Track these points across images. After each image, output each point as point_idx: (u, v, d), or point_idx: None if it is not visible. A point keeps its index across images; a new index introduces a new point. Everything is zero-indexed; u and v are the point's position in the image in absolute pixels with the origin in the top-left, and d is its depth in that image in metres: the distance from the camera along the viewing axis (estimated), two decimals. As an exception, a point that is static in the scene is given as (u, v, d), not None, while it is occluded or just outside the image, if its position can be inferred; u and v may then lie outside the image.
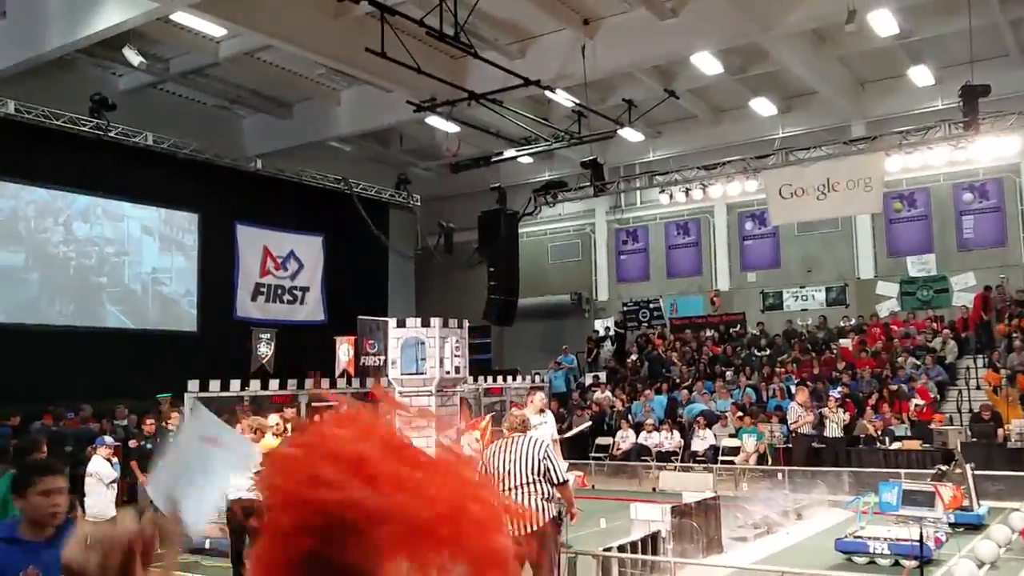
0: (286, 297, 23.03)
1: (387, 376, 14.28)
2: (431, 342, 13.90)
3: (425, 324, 14.06)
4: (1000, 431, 14.66)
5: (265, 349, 19.20)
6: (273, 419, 11.55)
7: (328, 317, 22.99)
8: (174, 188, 19.75)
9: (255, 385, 15.64)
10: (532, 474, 6.90)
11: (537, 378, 20.42)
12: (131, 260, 19.74)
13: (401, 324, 14.23)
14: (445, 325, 14.08)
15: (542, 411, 9.85)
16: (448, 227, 22.75)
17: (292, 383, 16.27)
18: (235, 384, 15.07)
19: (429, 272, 25.78)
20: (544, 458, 6.91)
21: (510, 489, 6.93)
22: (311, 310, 23.36)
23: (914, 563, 8.44)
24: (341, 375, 18.05)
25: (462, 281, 23.07)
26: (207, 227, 20.98)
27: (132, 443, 13.25)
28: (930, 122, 16.94)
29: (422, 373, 13.86)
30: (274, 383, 16.14)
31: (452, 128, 19.47)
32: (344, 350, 18.20)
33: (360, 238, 22.45)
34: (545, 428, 9.47)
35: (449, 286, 24.34)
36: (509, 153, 20.17)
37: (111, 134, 17.89)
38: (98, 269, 19.13)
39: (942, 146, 16.00)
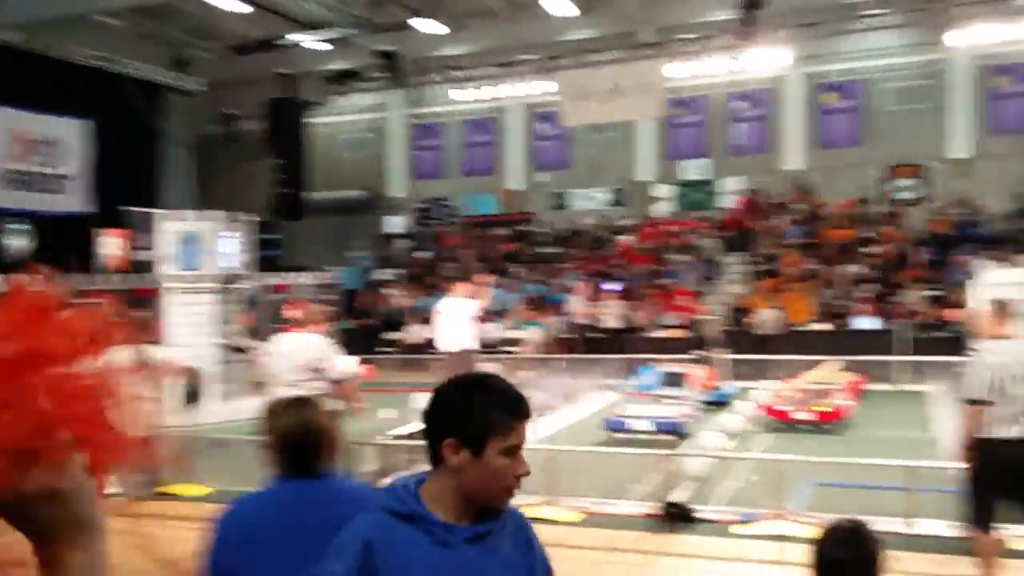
0: (45, 186, 20.86)
1: (160, 272, 13.45)
2: (211, 236, 13.22)
3: (204, 217, 13.34)
4: (751, 320, 16.23)
5: (17, 241, 17.39)
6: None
7: (95, 209, 21.14)
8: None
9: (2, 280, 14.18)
10: (307, 370, 6.80)
11: (327, 275, 20.00)
12: None
13: (177, 217, 13.43)
14: (227, 219, 13.43)
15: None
16: (232, 115, 21.37)
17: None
18: (-19, 279, 13.60)
19: (211, 163, 24.25)
20: (319, 356, 6.82)
21: (286, 385, 6.81)
22: (75, 200, 21.32)
23: (671, 436, 9.30)
24: (106, 270, 16.79)
25: (247, 173, 21.94)
26: (-52, 105, 18.48)
27: None
28: (712, 31, 17.75)
29: (200, 269, 13.19)
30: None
31: (236, 6, 18.07)
32: (113, 243, 16.86)
33: (132, 123, 20.64)
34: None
35: (233, 178, 23.06)
36: (299, 37, 19.07)
37: None
38: None
39: (720, 55, 16.87)
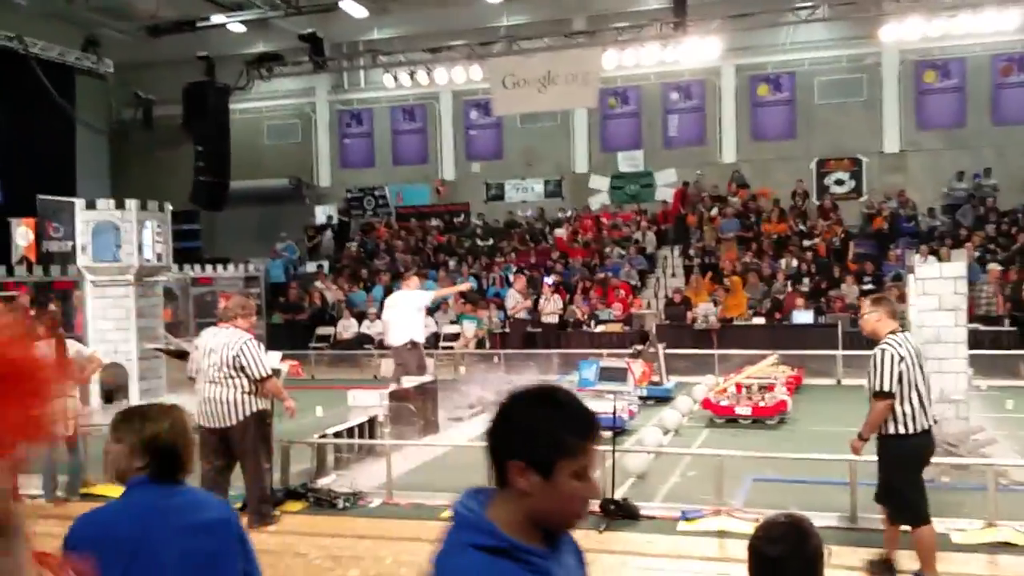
0: (-52, 173, 19.61)
1: (76, 264, 12.74)
2: (127, 226, 12.55)
3: (120, 206, 12.66)
4: (689, 314, 16.18)
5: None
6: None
7: (4, 197, 19.94)
8: None
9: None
10: (227, 368, 6.45)
11: (251, 267, 19.29)
12: None
13: (91, 206, 12.74)
14: (144, 208, 12.77)
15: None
16: (147, 99, 20.29)
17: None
18: None
19: (126, 149, 23.16)
20: (238, 354, 6.44)
21: (212, 380, 6.49)
22: (-18, 189, 20.12)
23: (609, 433, 9.05)
24: (20, 261, 15.85)
25: (165, 161, 20.96)
26: None
27: None
28: (645, 20, 17.61)
29: (118, 261, 12.50)
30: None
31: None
32: (22, 233, 15.94)
33: (40, 107, 19.44)
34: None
35: (150, 165, 22.02)
36: (217, 19, 18.25)
37: None
38: None
39: (653, 44, 16.74)
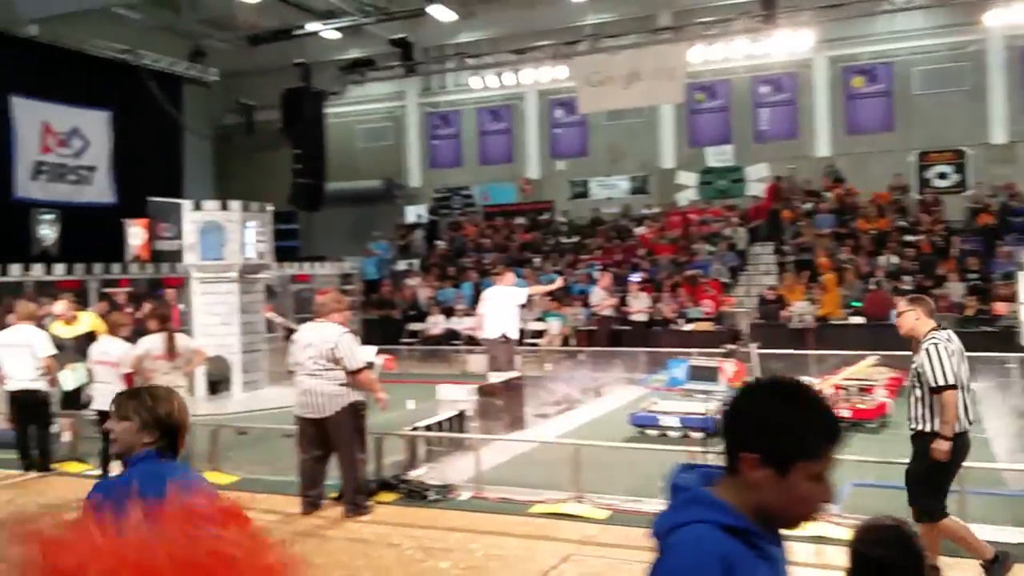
0: (71, 176, 20.96)
1: (184, 262, 13.48)
2: (231, 226, 13.21)
3: (224, 207, 13.33)
4: (784, 313, 15.87)
5: (48, 231, 17.52)
6: (59, 306, 10.67)
7: (118, 199, 21.20)
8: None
9: (38, 269, 14.24)
10: (324, 360, 6.77)
11: (347, 265, 19.93)
12: None
13: (198, 207, 13.44)
14: (247, 208, 13.40)
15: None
16: (249, 105, 21.27)
17: (80, 267, 14.94)
18: (16, 268, 13.65)
19: (229, 153, 24.22)
20: (334, 347, 6.76)
21: (310, 372, 6.82)
22: (99, 191, 21.42)
23: (700, 434, 9.07)
24: (133, 260, 16.81)
25: (265, 163, 21.86)
26: (-22, 99, 18.62)
27: None
28: (732, 14, 17.41)
29: (222, 259, 13.18)
30: (60, 267, 14.76)
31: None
32: (135, 233, 16.88)
33: (152, 115, 20.66)
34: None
35: (252, 168, 23.00)
36: (313, 27, 18.94)
37: None
38: None
39: (742, 38, 16.53)
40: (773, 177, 20.58)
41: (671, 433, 9.38)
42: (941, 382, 4.98)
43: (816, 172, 20.38)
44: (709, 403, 9.23)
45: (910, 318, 5.25)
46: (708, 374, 10.43)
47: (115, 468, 7.83)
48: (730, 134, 21.69)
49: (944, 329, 5.25)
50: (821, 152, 20.75)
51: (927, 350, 5.05)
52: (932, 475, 5.12)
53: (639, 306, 16.38)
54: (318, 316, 7.14)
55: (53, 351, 8.71)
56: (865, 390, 10.41)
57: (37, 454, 8.85)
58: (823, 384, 10.90)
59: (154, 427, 2.59)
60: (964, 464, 5.30)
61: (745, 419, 1.60)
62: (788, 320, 15.59)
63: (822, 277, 16.51)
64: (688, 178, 21.96)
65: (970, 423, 5.19)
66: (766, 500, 1.57)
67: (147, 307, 11.33)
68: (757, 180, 21.11)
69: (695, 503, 1.59)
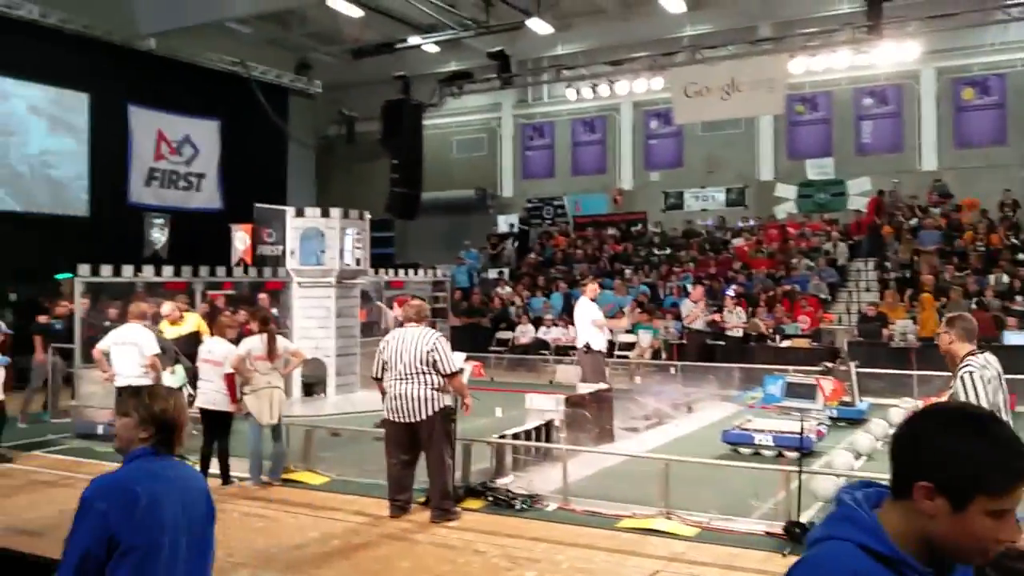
0: (181, 183, 22.08)
1: (285, 266, 13.93)
2: (331, 233, 13.61)
3: (325, 214, 13.73)
4: (885, 331, 15.32)
5: (158, 235, 18.48)
6: (167, 307, 11.18)
7: (225, 205, 22.17)
8: (62, 66, 18.61)
9: (148, 271, 15.00)
10: (420, 364, 6.89)
11: (439, 272, 20.27)
12: (17, 141, 18.65)
13: (300, 214, 13.88)
14: (346, 216, 13.78)
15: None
16: (350, 116, 21.90)
17: (187, 270, 15.67)
18: (127, 270, 14.43)
19: (331, 162, 24.99)
20: (432, 349, 6.91)
21: (404, 377, 6.92)
22: (207, 197, 22.47)
23: (795, 453, 8.84)
24: (237, 264, 17.47)
25: (364, 172, 22.47)
26: (98, 108, 19.90)
27: (42, 318, 12.83)
28: (835, 25, 16.98)
29: (321, 264, 13.59)
30: (168, 269, 15.51)
31: (355, 12, 18.52)
32: (240, 238, 17.54)
33: (259, 124, 21.54)
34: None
35: (351, 177, 23.69)
36: (414, 40, 19.40)
37: (-9, 5, 16.43)
38: (-20, 148, 17.98)
39: (845, 50, 16.09)
40: (875, 191, 19.94)
41: (765, 452, 9.18)
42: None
43: (921, 186, 19.66)
44: (805, 421, 8.99)
45: (944, 340, 5.12)
46: (805, 391, 10.17)
47: (213, 466, 8.20)
48: (831, 146, 21.14)
49: (983, 352, 5.07)
50: (927, 166, 20.01)
51: (961, 378, 4.89)
52: None
53: (735, 320, 16.07)
54: (407, 322, 7.25)
55: (158, 350, 9.12)
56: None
57: None
58: (927, 405, 10.46)
59: (150, 423, 2.68)
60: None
61: (922, 445, 1.50)
62: (889, 338, 15.04)
63: (923, 295, 15.90)
64: (787, 191, 21.49)
65: None
66: (936, 532, 1.48)
67: (242, 312, 11.75)
68: (859, 194, 20.50)
69: (847, 521, 1.54)
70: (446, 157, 25.06)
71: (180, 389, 10.03)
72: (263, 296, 14.22)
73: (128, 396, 2.82)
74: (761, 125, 21.51)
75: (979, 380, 4.83)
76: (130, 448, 2.69)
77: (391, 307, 13.41)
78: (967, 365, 4.92)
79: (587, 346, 11.20)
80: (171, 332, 11.06)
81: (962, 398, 4.86)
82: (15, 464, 9.35)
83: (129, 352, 8.91)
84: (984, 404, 4.77)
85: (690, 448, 9.45)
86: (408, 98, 18.45)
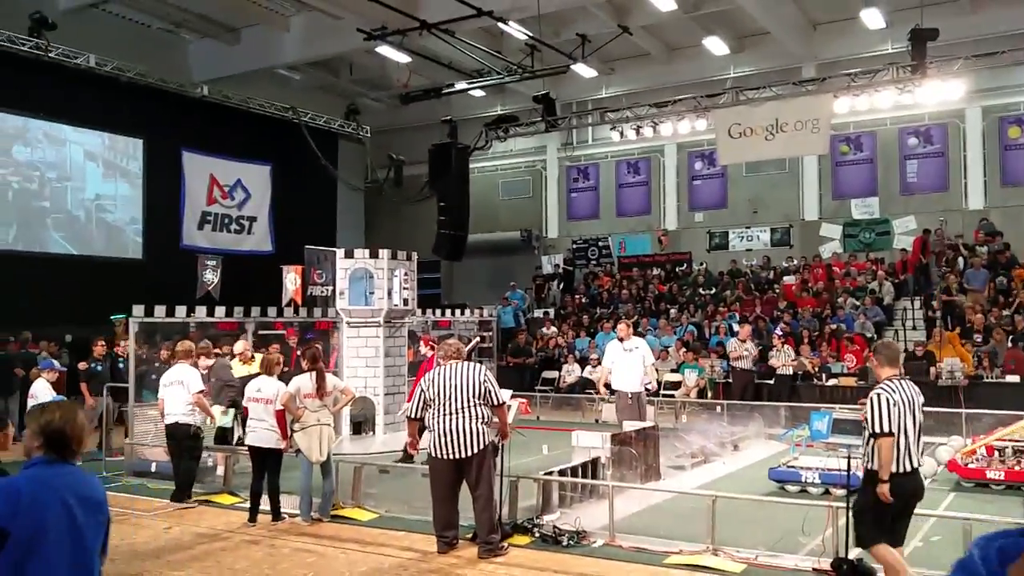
0: (233, 227, 22.69)
1: (335, 307, 14.25)
2: (380, 274, 13.91)
3: (374, 255, 14.03)
4: (932, 369, 15.15)
5: (211, 276, 18.97)
6: (239, 345, 11.49)
7: (275, 247, 22.74)
8: (118, 113, 19.31)
9: (201, 312, 15.45)
10: (473, 397, 7.06)
11: (485, 313, 20.52)
12: (74, 186, 19.33)
13: (349, 255, 14.19)
14: (394, 257, 14.07)
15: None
16: (398, 160, 22.49)
17: (239, 311, 16.09)
18: (181, 310, 14.89)
19: (379, 205, 25.53)
20: (484, 381, 7.10)
21: (453, 412, 7.06)
22: (258, 240, 23.07)
23: (842, 491, 8.80)
24: (288, 304, 17.88)
25: (412, 215, 22.92)
26: (152, 154, 20.59)
27: (82, 365, 13.17)
28: (879, 65, 17.05)
29: (370, 305, 13.89)
30: (220, 310, 15.94)
31: (403, 58, 19.10)
32: (291, 279, 17.98)
33: (309, 168, 22.13)
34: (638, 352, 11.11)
35: (399, 220, 24.16)
36: (461, 85, 19.90)
37: (51, 55, 17.21)
38: (40, 194, 18.67)
39: (889, 89, 16.13)
40: (921, 230, 19.78)
41: (812, 489, 9.16)
42: (878, 429, 5.49)
43: (968, 225, 19.47)
44: (853, 458, 8.96)
45: (873, 365, 5.77)
46: (852, 428, 10.08)
47: (264, 503, 8.40)
48: (876, 186, 21.07)
49: (903, 379, 5.72)
50: (973, 205, 19.83)
51: (871, 398, 5.55)
52: (870, 507, 5.63)
53: (783, 359, 16.01)
54: (446, 360, 7.37)
55: (203, 387, 9.37)
56: (1022, 451, 9.84)
57: (176, 483, 9.37)
58: (975, 444, 10.39)
59: (40, 435, 2.92)
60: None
61: None
62: (938, 377, 14.87)
63: (947, 333, 15.72)
64: (832, 230, 21.42)
65: (914, 467, 5.65)
66: None
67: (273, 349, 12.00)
68: (904, 233, 20.35)
69: (962, 570, 1.49)
70: (492, 199, 25.46)
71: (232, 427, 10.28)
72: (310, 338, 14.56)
73: (34, 411, 3.10)
74: (805, 165, 21.53)
75: (886, 402, 5.48)
76: (31, 457, 2.95)
77: (418, 345, 13.68)
78: (881, 387, 5.59)
79: (639, 391, 11.22)
80: (241, 370, 11.34)
81: (869, 416, 5.51)
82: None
83: (177, 392, 9.19)
84: (885, 421, 5.43)
85: (736, 485, 9.45)
86: (455, 141, 18.91)
